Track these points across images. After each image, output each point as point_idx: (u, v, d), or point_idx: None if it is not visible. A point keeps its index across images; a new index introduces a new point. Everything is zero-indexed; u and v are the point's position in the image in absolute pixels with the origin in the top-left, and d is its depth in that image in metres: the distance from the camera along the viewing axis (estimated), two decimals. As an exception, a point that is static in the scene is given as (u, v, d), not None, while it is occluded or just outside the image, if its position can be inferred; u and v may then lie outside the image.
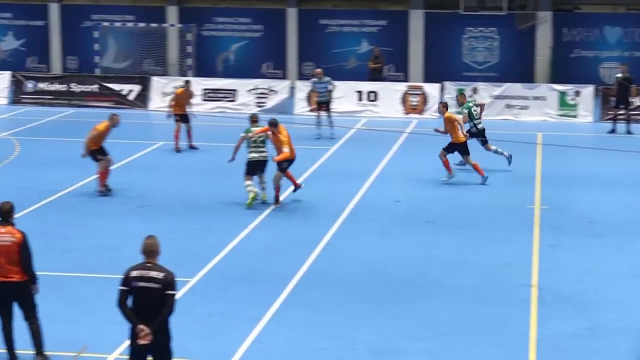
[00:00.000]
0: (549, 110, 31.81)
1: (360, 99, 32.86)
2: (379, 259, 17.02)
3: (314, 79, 29.02)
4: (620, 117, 29.73)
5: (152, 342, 10.36)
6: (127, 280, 10.45)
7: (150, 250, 10.52)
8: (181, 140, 26.21)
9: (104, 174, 21.14)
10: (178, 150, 26.13)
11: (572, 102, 31.96)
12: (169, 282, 10.38)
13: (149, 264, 10.48)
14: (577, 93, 31.91)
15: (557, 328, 13.87)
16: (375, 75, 34.44)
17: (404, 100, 32.66)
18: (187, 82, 28.07)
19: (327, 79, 28.53)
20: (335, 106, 30.00)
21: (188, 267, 16.01)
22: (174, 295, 10.43)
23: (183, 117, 26.45)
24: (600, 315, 14.39)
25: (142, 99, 33.85)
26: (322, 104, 28.56)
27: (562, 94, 32.05)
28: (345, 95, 32.68)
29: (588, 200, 21.12)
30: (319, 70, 29.61)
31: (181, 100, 26.70)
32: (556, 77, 35.36)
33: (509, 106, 32.10)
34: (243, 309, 14.39)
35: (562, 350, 13.05)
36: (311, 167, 24.09)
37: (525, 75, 35.96)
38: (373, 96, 32.82)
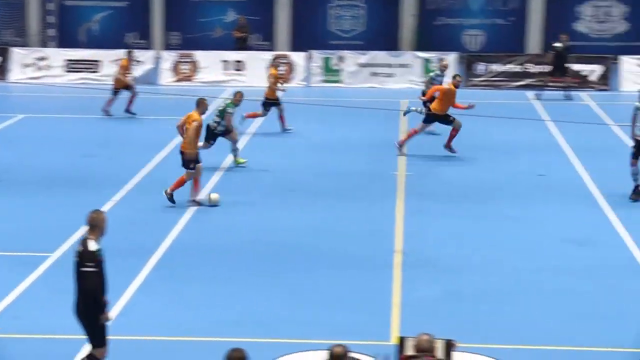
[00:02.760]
0: (414, 78, 32.15)
1: (226, 68, 32.63)
2: (247, 229, 16.97)
3: None
4: (558, 84, 30.28)
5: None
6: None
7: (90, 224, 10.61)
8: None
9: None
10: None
11: (433, 69, 32.32)
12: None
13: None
14: (440, 60, 32.28)
15: (421, 292, 14.07)
16: (241, 45, 34.25)
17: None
18: (130, 52, 28.10)
19: None
20: (201, 76, 29.67)
21: (49, 241, 15.71)
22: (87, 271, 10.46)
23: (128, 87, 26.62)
24: (462, 279, 14.66)
25: (1, 71, 32.94)
26: None
27: (427, 61, 32.45)
28: (210, 65, 32.44)
29: (453, 166, 21.45)
30: None
31: (125, 70, 26.76)
32: (421, 44, 35.73)
33: (374, 74, 32.36)
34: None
35: (425, 314, 13.24)
36: (175, 139, 23.80)
37: (391, 43, 36.23)
38: (239, 66, 32.64)
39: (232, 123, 21.06)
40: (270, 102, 24.50)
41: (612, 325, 12.98)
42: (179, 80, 29.72)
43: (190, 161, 18.08)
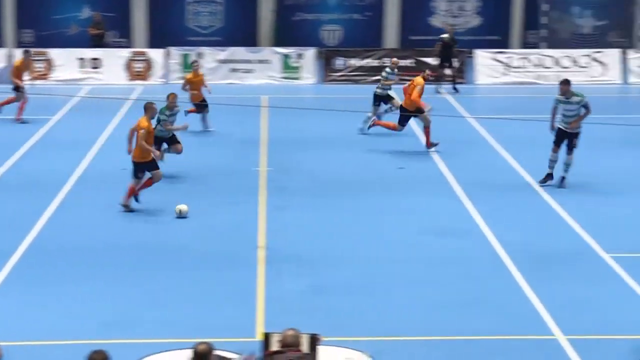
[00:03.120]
0: (273, 74, 32.18)
1: (82, 66, 32.04)
2: (107, 229, 16.70)
3: None
4: (446, 77, 30.65)
5: None
6: None
7: None
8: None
9: None
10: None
11: (295, 65, 32.49)
12: None
13: None
14: (300, 56, 32.46)
15: (285, 287, 14.10)
16: (97, 42, 33.66)
17: (128, 66, 32.15)
18: (27, 51, 27.02)
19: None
20: (56, 74, 29.02)
21: None
22: None
23: (19, 89, 25.49)
24: (326, 272, 14.74)
25: None
26: None
27: (286, 57, 32.53)
28: (66, 63, 31.80)
29: (313, 161, 21.54)
30: None
31: (19, 71, 25.79)
32: (279, 40, 35.77)
33: (234, 70, 32.25)
34: (-38, 288, 13.75)
35: (289, 308, 13.26)
36: (31, 139, 23.29)
37: (250, 39, 36.15)
38: (96, 63, 32.08)
39: (174, 130, 19.93)
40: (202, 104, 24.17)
41: (471, 313, 13.24)
42: (33, 79, 28.97)
43: (138, 171, 17.52)
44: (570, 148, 19.41)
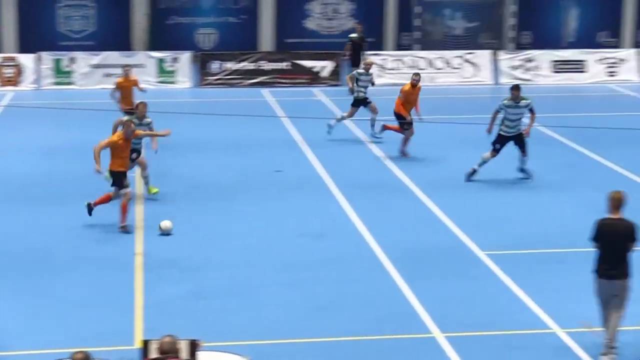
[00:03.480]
0: (148, 78, 31.79)
1: (-50, 72, 31.21)
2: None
3: None
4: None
5: None
6: None
7: None
8: None
9: None
10: None
11: (170, 69, 32.23)
12: None
13: None
14: (175, 60, 32.21)
15: (164, 293, 13.95)
16: (-34, 47, 32.85)
17: (-2, 72, 31.47)
18: None
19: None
20: None
21: None
22: None
23: None
24: (206, 277, 14.65)
25: None
26: None
27: (161, 61, 32.25)
28: None
29: (190, 165, 21.39)
30: None
31: None
32: (154, 44, 35.44)
33: (107, 75, 31.73)
34: None
35: (169, 314, 13.14)
36: None
37: (123, 43, 35.72)
38: (-35, 69, 31.28)
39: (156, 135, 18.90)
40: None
41: (351, 314, 13.32)
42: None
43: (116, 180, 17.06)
44: (524, 149, 19.94)
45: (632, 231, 11.78)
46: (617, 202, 11.91)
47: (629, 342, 12.13)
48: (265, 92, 31.09)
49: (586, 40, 37.99)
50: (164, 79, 32.12)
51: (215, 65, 32.48)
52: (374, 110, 23.91)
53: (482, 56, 33.43)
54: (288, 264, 15.32)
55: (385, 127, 23.15)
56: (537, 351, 12.18)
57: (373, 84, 24.34)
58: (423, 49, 36.21)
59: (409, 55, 33.39)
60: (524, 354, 12.13)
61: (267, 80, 32.24)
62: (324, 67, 32.61)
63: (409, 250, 15.97)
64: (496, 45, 37.26)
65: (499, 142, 20.03)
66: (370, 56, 30.68)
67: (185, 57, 32.30)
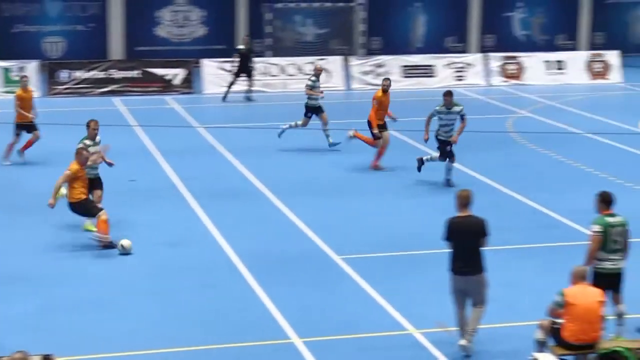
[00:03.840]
0: (-5, 87, 31.04)
1: None
2: None
3: None
4: (233, 85, 30.67)
5: None
6: None
7: None
8: None
9: None
10: None
11: (16, 79, 31.40)
12: None
13: None
14: (22, 69, 31.39)
15: (14, 308, 13.57)
16: None
17: None
18: None
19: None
20: None
21: None
22: None
23: None
24: (55, 291, 14.32)
25: None
26: None
27: (6, 70, 31.42)
28: None
29: (38, 177, 20.86)
30: None
31: None
32: (-1, 53, 34.57)
33: (-49, 85, 30.82)
34: None
35: (19, 329, 12.80)
36: None
37: (-33, 52, 34.73)
38: None
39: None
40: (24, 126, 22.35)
41: (208, 322, 13.22)
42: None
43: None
44: (452, 156, 20.02)
45: (482, 227, 12.07)
46: (464, 199, 12.19)
47: (489, 339, 12.38)
48: (117, 100, 30.64)
49: (434, 46, 38.78)
50: (11, 89, 31.25)
51: (63, 74, 31.81)
52: (325, 121, 23.64)
53: (334, 62, 33.71)
54: (144, 273, 15.12)
55: (355, 135, 22.54)
56: (395, 352, 12.32)
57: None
58: (275, 55, 36.32)
59: (261, 62, 33.39)
60: (382, 355, 12.25)
61: (118, 89, 31.77)
62: (176, 74, 32.32)
63: (266, 256, 15.95)
64: (347, 51, 37.66)
65: (441, 148, 20.09)
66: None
67: (32, 66, 31.56)
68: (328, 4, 38.62)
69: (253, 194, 19.68)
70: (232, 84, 30.96)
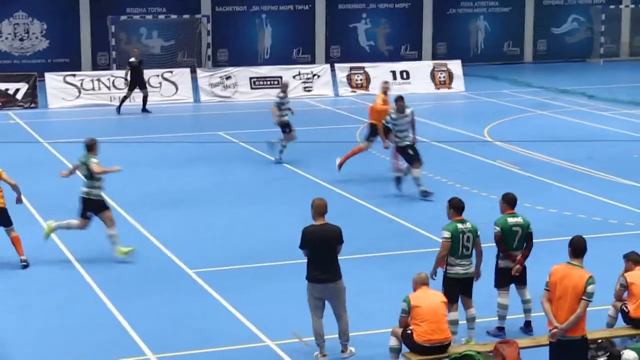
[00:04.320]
0: None
1: None
2: None
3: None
4: (127, 98, 30.76)
5: None
6: None
7: None
8: None
9: None
10: None
11: None
12: None
13: None
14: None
15: None
16: None
17: None
18: None
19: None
20: None
21: None
22: None
23: None
24: None
25: None
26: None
27: None
28: None
29: None
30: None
31: None
32: None
33: None
34: None
35: None
36: None
37: None
38: None
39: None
40: None
41: (61, 342, 12.92)
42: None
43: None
44: (418, 159, 20.01)
45: (338, 235, 12.17)
46: (320, 208, 12.28)
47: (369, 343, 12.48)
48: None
49: (281, 57, 38.99)
50: None
51: None
52: (290, 139, 23.24)
53: (181, 74, 33.50)
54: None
55: (342, 162, 21.98)
56: (252, 365, 12.30)
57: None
58: (119, 68, 35.87)
59: (106, 75, 32.92)
60: (239, 368, 12.21)
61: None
62: (19, 89, 31.54)
63: (116, 271, 15.69)
64: (194, 63, 37.50)
65: (408, 153, 20.01)
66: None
67: None
68: (173, 16, 38.38)
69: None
70: (125, 97, 30.79)
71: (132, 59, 31.00)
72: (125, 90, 31.02)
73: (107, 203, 16.52)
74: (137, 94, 31.05)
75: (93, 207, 16.27)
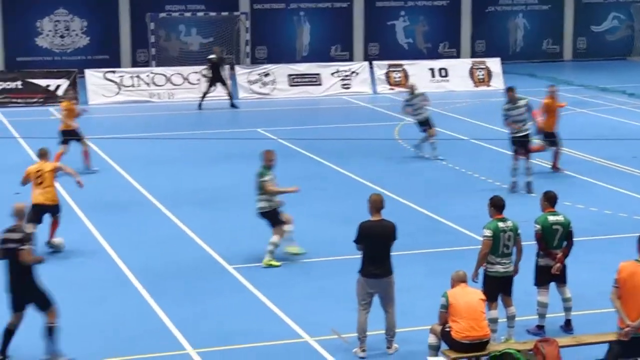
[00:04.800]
0: None
1: None
2: None
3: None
4: (214, 93, 31.33)
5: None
6: None
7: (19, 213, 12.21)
8: None
9: None
10: None
11: None
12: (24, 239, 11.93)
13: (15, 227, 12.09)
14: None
15: None
16: None
17: None
18: None
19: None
20: None
21: None
22: (24, 249, 11.90)
23: None
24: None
25: None
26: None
27: None
28: None
29: None
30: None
31: None
32: None
33: None
34: None
35: None
36: None
37: None
38: None
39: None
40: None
41: (101, 336, 13.02)
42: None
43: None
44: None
45: (394, 231, 12.32)
46: (377, 204, 12.39)
47: (385, 344, 12.48)
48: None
49: (319, 54, 39.00)
50: None
51: (-57, 86, 30.99)
52: (432, 134, 23.63)
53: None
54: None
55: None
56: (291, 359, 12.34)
57: None
58: (159, 65, 36.03)
59: (146, 72, 33.09)
60: (278, 364, 12.25)
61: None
62: (59, 85, 31.78)
63: (157, 267, 15.79)
64: (232, 60, 37.61)
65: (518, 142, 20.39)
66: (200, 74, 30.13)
67: None
68: (212, 13, 38.48)
69: (142, 205, 19.46)
70: (206, 93, 31.18)
71: (212, 56, 31.51)
72: (205, 87, 31.43)
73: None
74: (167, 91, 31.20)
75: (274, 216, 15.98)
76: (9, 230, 12.19)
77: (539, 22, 43.14)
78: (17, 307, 12.18)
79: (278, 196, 15.92)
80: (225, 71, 31.78)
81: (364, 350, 12.31)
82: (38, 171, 16.58)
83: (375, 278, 12.23)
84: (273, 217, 15.86)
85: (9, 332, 12.22)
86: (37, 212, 16.29)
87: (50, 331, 12.14)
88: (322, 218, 18.37)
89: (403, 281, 14.69)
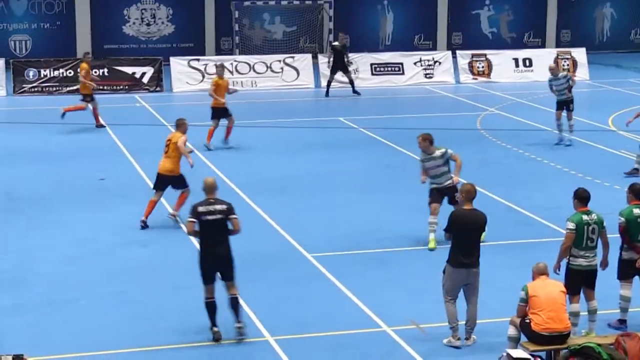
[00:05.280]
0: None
1: None
2: None
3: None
4: (340, 80, 31.40)
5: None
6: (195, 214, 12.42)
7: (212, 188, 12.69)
8: None
9: None
10: None
11: (-17, 77, 31.17)
12: (231, 210, 12.56)
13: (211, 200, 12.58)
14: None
15: (-16, 309, 13.45)
16: None
17: None
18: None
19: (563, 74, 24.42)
20: None
21: None
22: (236, 218, 12.58)
23: None
24: (27, 291, 14.18)
25: None
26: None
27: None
28: None
29: (4, 176, 20.69)
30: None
31: None
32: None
33: None
34: None
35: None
36: None
37: None
38: None
39: None
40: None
41: (179, 322, 13.13)
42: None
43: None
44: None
45: (484, 221, 12.34)
46: (469, 194, 12.33)
47: (463, 335, 12.40)
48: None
49: (402, 44, 38.84)
50: (-20, 86, 31.03)
51: (30, 73, 31.54)
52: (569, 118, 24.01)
53: (302, 60, 33.65)
54: (112, 273, 14.99)
55: None
56: (369, 349, 12.30)
57: None
58: (242, 53, 36.22)
59: (230, 60, 33.29)
60: (356, 352, 12.22)
61: (87, 87, 31.56)
62: (145, 72, 32.15)
63: (236, 254, 15.82)
64: (315, 48, 37.63)
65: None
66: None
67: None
68: (296, 2, 38.57)
69: (223, 191, 19.54)
70: (330, 80, 31.35)
71: (336, 43, 31.69)
72: (328, 74, 31.54)
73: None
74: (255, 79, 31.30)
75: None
76: (208, 203, 12.54)
77: (627, 11, 42.38)
78: (212, 279, 12.59)
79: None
80: (348, 58, 31.83)
81: (458, 339, 12.26)
82: (168, 140, 17.27)
83: (466, 268, 12.17)
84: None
85: (211, 305, 12.55)
86: (159, 180, 17.34)
87: (236, 301, 12.53)
88: (400, 208, 18.28)
89: (483, 273, 14.59)
